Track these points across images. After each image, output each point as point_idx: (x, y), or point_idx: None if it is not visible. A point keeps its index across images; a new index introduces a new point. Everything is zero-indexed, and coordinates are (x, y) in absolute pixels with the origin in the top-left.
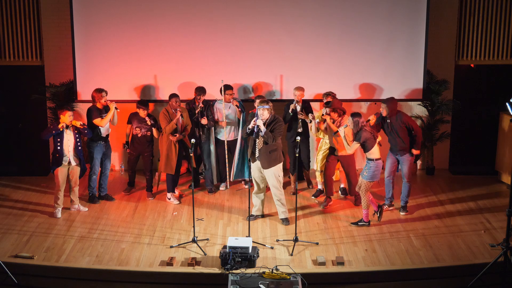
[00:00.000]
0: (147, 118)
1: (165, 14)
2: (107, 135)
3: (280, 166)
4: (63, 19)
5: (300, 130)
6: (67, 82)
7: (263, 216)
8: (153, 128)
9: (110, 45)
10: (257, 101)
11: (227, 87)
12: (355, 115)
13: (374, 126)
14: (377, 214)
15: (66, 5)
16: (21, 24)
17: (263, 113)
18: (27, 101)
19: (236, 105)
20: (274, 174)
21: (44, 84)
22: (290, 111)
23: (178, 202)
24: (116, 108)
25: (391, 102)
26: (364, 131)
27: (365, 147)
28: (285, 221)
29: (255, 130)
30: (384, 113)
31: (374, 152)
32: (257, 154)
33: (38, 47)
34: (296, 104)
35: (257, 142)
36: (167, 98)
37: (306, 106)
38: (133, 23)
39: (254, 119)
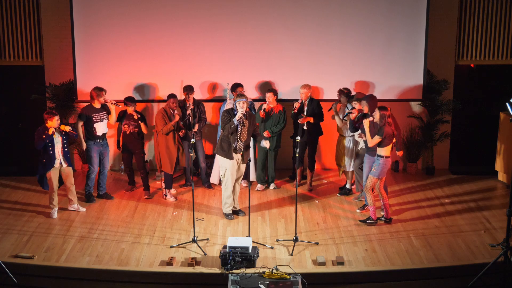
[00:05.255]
0: (134, 113)
1: (165, 14)
2: (104, 134)
3: None
4: (63, 19)
5: (305, 127)
6: (67, 82)
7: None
8: (140, 122)
9: (110, 45)
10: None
11: (237, 85)
12: (382, 108)
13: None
14: (383, 219)
15: (66, 5)
16: (21, 24)
17: (244, 106)
18: (27, 101)
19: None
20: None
21: (44, 84)
22: (293, 108)
23: (174, 199)
24: (117, 104)
25: (371, 99)
26: (388, 126)
27: (382, 143)
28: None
29: (240, 124)
30: (366, 110)
31: (387, 150)
32: (241, 149)
33: (38, 47)
34: (301, 102)
35: (239, 136)
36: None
37: (314, 106)
38: (133, 23)
39: (238, 113)
